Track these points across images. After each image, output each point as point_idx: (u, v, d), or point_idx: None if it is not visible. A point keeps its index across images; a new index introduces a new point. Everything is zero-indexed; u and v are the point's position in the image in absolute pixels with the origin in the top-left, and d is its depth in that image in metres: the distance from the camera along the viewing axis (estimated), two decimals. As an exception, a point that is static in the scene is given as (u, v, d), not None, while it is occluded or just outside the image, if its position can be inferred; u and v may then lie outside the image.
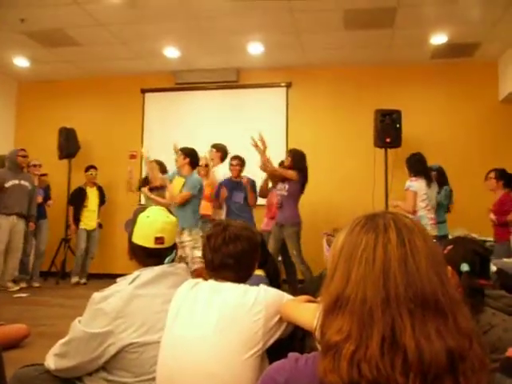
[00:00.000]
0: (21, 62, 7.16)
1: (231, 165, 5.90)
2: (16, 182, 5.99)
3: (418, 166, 5.06)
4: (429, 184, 5.03)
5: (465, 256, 1.72)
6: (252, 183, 5.90)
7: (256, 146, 5.16)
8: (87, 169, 7.05)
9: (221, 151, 6.04)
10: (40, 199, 6.52)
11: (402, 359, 0.73)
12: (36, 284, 6.52)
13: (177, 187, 5.01)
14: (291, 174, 5.27)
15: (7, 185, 5.91)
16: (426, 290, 0.77)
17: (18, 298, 5.58)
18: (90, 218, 6.91)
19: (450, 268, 1.71)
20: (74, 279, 6.75)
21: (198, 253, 4.78)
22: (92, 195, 7.00)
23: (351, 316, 0.78)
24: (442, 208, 5.54)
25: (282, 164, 5.79)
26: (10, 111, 8.03)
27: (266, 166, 5.26)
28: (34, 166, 6.66)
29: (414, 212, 4.86)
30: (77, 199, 6.93)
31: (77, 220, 6.86)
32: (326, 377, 0.76)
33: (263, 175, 5.83)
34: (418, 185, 4.92)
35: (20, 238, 6.02)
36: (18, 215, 5.96)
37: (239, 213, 5.69)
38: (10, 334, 3.36)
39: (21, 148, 6.27)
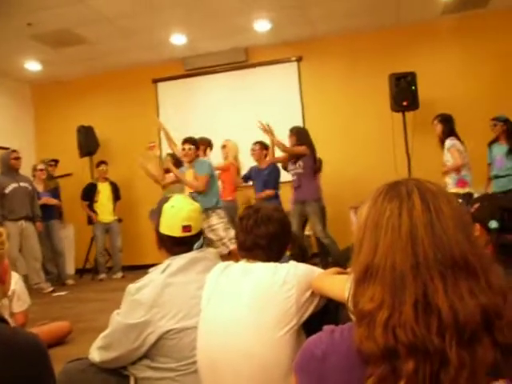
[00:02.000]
0: (32, 65, 7.24)
1: (252, 150, 5.92)
2: (15, 185, 5.87)
3: (452, 126, 5.15)
4: (462, 145, 5.09)
5: (492, 213, 1.71)
6: (271, 172, 5.84)
7: (265, 130, 5.28)
8: (98, 164, 7.11)
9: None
10: (50, 201, 6.53)
11: (436, 321, 0.74)
12: (70, 282, 6.61)
13: (190, 178, 5.00)
14: (302, 149, 5.31)
15: (7, 190, 5.78)
16: (454, 251, 0.78)
17: (58, 297, 5.74)
18: (103, 213, 6.93)
19: (478, 226, 1.71)
20: (101, 276, 6.83)
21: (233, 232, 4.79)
22: (104, 190, 7.01)
23: (382, 284, 0.79)
24: None
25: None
26: (28, 116, 8.16)
27: (280, 147, 5.38)
28: (41, 170, 6.63)
29: (459, 168, 4.90)
30: (88, 194, 6.96)
31: (94, 213, 6.90)
32: (362, 345, 0.78)
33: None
34: (458, 143, 5.01)
35: (34, 241, 5.95)
36: (25, 218, 5.88)
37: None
38: (53, 331, 3.47)
39: (12, 150, 6.09)
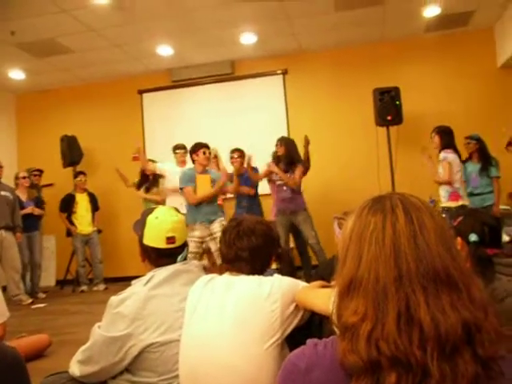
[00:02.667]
0: (16, 74, 7.17)
1: (232, 158, 5.88)
2: None
3: (449, 138, 5.02)
4: (459, 158, 5.03)
5: (474, 227, 1.74)
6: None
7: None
8: (76, 175, 7.02)
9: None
10: (36, 210, 6.43)
11: (418, 333, 0.74)
12: (42, 295, 6.45)
13: (207, 183, 4.91)
14: (301, 170, 5.43)
15: None
16: (437, 264, 0.79)
17: (37, 309, 5.64)
18: (82, 224, 6.84)
19: (459, 240, 1.73)
20: (82, 287, 6.74)
21: None
22: (82, 201, 6.92)
23: (366, 296, 0.79)
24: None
25: (275, 154, 5.72)
26: (10, 125, 8.05)
27: (290, 183, 5.39)
28: (24, 177, 6.48)
29: (449, 183, 4.86)
30: (66, 205, 6.86)
31: (72, 225, 6.82)
32: (345, 358, 0.78)
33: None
34: (452, 156, 4.91)
35: (14, 251, 5.82)
36: (5, 228, 5.75)
37: (248, 204, 5.71)
38: (32, 344, 3.39)
39: None
